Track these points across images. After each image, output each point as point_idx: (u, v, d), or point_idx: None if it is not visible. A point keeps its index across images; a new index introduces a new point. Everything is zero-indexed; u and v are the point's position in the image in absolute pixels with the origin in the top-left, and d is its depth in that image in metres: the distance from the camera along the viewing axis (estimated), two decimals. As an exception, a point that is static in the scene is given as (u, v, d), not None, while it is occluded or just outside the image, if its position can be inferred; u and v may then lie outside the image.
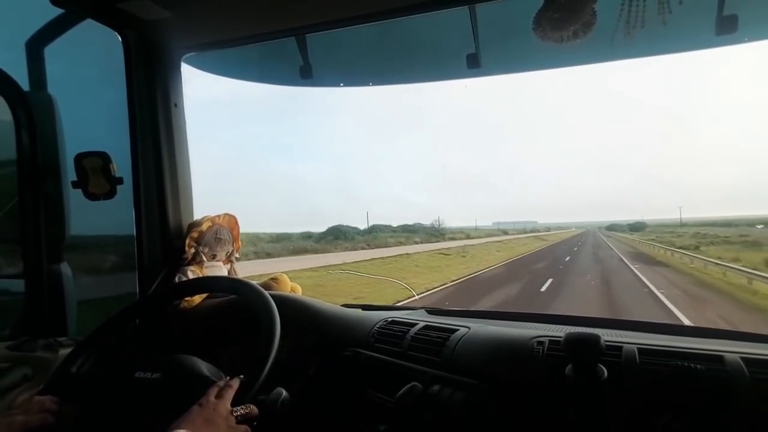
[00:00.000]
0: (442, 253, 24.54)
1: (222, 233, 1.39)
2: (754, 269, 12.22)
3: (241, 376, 0.82)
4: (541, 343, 0.91)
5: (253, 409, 0.78)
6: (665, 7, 0.86)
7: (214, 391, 0.76)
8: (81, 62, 1.52)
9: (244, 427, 0.75)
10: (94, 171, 1.21)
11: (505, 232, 70.99)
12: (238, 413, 0.75)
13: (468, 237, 47.06)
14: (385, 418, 0.95)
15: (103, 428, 0.81)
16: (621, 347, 0.83)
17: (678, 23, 0.90)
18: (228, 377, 0.82)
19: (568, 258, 22.00)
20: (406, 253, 23.12)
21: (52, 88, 1.31)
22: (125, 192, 1.28)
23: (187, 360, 0.87)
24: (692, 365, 0.75)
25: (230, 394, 0.76)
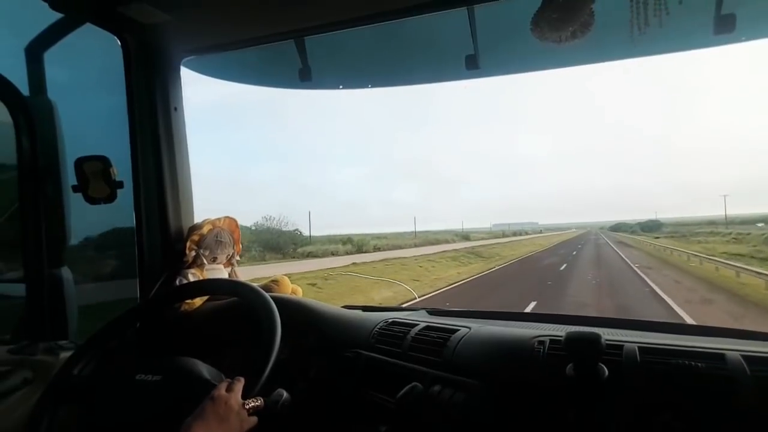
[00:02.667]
0: None
1: (222, 236, 1.39)
2: None
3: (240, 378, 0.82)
4: (541, 342, 0.90)
5: (262, 401, 0.79)
6: (662, 7, 0.87)
7: (224, 385, 0.77)
8: (81, 67, 1.53)
9: (254, 419, 0.76)
10: (95, 175, 1.21)
11: (467, 238, 48.64)
12: (249, 406, 0.76)
13: (360, 249, 27.39)
14: (386, 418, 0.95)
15: (105, 430, 0.81)
16: (622, 346, 0.83)
17: (676, 23, 0.90)
18: (229, 379, 0.82)
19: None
20: None
21: (51, 93, 1.31)
22: (125, 196, 1.28)
23: (188, 362, 0.87)
24: (693, 363, 0.75)
25: (240, 388, 0.77)
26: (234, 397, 0.75)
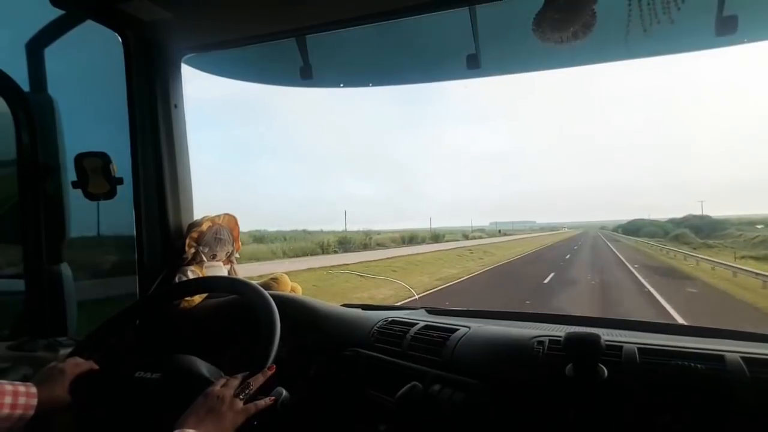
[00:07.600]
0: None
1: (222, 233, 1.38)
2: None
3: (241, 375, 0.81)
4: (541, 342, 0.91)
5: (253, 387, 0.78)
6: (671, 6, 0.87)
7: (220, 382, 0.77)
8: (81, 63, 1.52)
9: (249, 409, 0.75)
10: (94, 171, 1.21)
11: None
12: (241, 395, 0.76)
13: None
14: (385, 417, 0.95)
15: (103, 428, 0.81)
16: (621, 347, 0.83)
17: (678, 24, 0.90)
18: (226, 377, 0.82)
19: None
20: None
21: (52, 89, 1.31)
22: (125, 192, 1.28)
23: (187, 360, 0.87)
24: (692, 365, 0.75)
25: (235, 384, 0.77)
26: (227, 391, 0.75)
